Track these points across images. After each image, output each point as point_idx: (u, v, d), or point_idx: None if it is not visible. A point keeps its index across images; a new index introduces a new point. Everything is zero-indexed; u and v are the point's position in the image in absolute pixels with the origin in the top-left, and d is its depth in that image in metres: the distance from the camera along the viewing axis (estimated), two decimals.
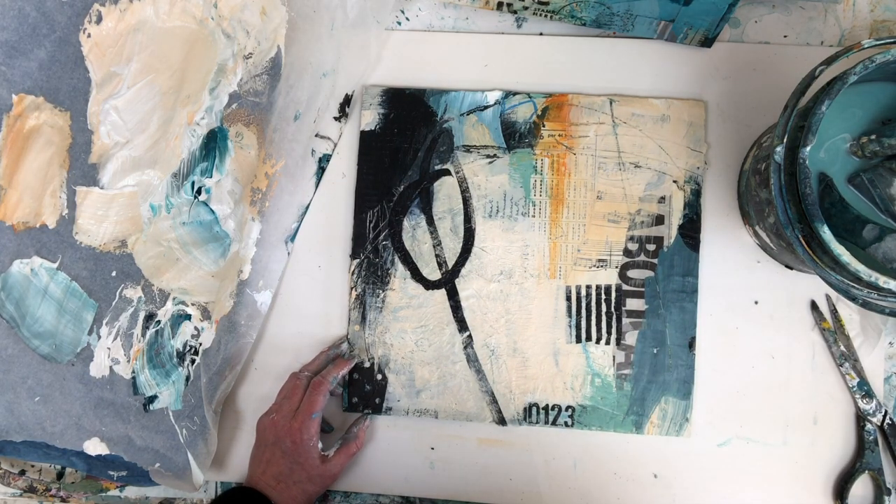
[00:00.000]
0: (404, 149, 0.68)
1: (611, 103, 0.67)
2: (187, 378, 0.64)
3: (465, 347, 0.67)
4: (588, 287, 0.66)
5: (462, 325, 0.67)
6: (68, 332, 0.55)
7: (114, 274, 0.57)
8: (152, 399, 0.62)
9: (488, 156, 0.68)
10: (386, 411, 0.67)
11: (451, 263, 0.68)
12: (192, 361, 0.64)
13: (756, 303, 0.66)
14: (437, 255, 0.68)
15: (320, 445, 0.63)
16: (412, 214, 0.68)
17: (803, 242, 0.50)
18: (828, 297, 0.66)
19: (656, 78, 0.67)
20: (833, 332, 0.65)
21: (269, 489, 0.61)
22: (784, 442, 0.65)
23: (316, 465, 0.62)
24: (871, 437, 0.64)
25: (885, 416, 0.64)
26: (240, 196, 0.64)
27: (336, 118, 0.69)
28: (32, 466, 0.68)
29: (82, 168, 0.52)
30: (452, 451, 0.67)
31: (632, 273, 0.66)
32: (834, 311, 0.65)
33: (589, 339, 0.66)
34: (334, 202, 0.70)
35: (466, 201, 0.68)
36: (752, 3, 0.67)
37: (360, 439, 0.65)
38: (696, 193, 0.66)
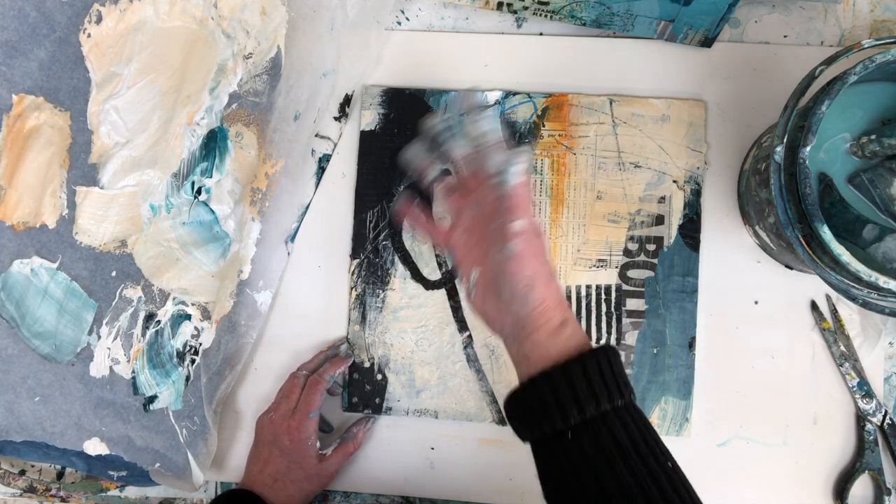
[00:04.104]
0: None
1: (611, 103, 0.67)
2: (187, 378, 0.64)
3: (465, 347, 0.67)
4: (588, 287, 0.66)
5: (462, 325, 0.67)
6: (68, 332, 0.55)
7: (114, 274, 0.57)
8: (152, 399, 0.62)
9: None
10: (386, 411, 0.67)
11: (451, 263, 0.68)
12: (192, 361, 0.64)
13: (756, 303, 0.66)
14: (437, 255, 0.68)
15: (318, 445, 0.63)
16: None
17: (803, 242, 0.50)
18: (828, 297, 0.65)
19: (656, 78, 0.67)
20: (833, 332, 0.65)
21: (266, 488, 0.61)
22: (784, 442, 0.65)
23: (313, 465, 0.62)
24: (871, 437, 0.64)
25: (885, 416, 0.64)
26: (240, 196, 0.64)
27: (336, 118, 0.69)
28: (32, 466, 0.68)
29: (82, 168, 0.52)
30: (452, 451, 0.67)
31: (632, 273, 0.66)
32: (834, 311, 0.65)
33: (589, 338, 0.66)
34: (334, 202, 0.69)
35: None
36: (752, 3, 0.67)
37: (358, 439, 0.65)
38: (696, 193, 0.66)
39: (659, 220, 0.66)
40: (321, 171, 0.70)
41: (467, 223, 0.52)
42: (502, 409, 0.48)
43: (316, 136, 0.69)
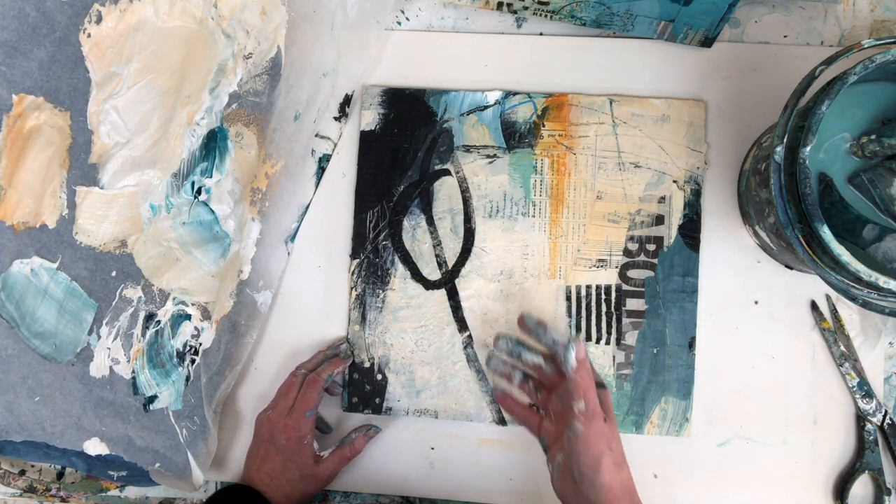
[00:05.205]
0: (404, 149, 0.68)
1: (611, 103, 0.67)
2: (187, 378, 0.64)
3: (465, 347, 0.67)
4: (588, 287, 0.66)
5: (462, 325, 0.67)
6: (68, 332, 0.55)
7: (114, 274, 0.57)
8: (152, 399, 0.62)
9: (488, 156, 0.68)
10: (386, 411, 0.67)
11: (451, 263, 0.68)
12: (192, 361, 0.64)
13: (756, 303, 0.66)
14: (437, 255, 0.68)
15: (316, 445, 0.63)
16: (412, 214, 0.68)
17: (803, 242, 0.50)
18: (828, 297, 0.66)
19: (656, 78, 0.67)
20: (833, 332, 0.65)
21: (263, 486, 0.61)
22: (784, 442, 0.65)
23: (309, 465, 0.62)
24: (871, 437, 0.64)
25: (885, 416, 0.64)
26: (240, 196, 0.64)
27: (336, 118, 0.69)
28: (32, 466, 0.68)
29: (82, 168, 0.52)
30: (452, 451, 0.67)
31: (632, 273, 0.66)
32: (834, 311, 0.65)
33: (589, 339, 0.66)
34: (334, 202, 0.70)
35: (466, 201, 0.68)
36: (752, 3, 0.67)
37: (355, 446, 0.65)
38: (696, 193, 0.66)
39: (659, 220, 0.66)
40: (321, 171, 0.70)
41: (553, 414, 0.58)
42: None
43: (316, 136, 0.69)
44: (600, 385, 0.58)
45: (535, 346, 0.61)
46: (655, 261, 0.66)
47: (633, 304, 0.66)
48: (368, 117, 0.69)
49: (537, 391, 0.61)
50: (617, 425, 0.56)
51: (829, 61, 0.51)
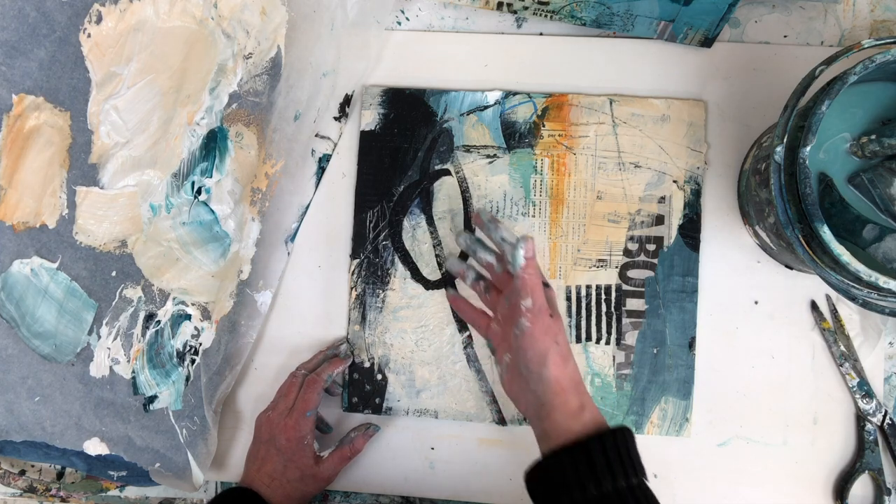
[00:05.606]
0: (404, 149, 0.68)
1: (611, 103, 0.67)
2: (187, 378, 0.64)
3: (465, 347, 0.67)
4: (588, 287, 0.66)
5: (462, 325, 0.67)
6: (68, 332, 0.55)
7: (114, 274, 0.57)
8: (152, 399, 0.62)
9: (488, 156, 0.68)
10: (386, 411, 0.67)
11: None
12: (192, 361, 0.64)
13: (756, 303, 0.66)
14: (437, 255, 0.68)
15: (316, 445, 0.63)
16: (412, 214, 0.68)
17: (803, 242, 0.50)
18: (828, 297, 0.66)
19: (656, 78, 0.67)
20: (833, 332, 0.65)
21: (263, 487, 0.61)
22: (784, 442, 0.65)
23: (309, 465, 0.62)
24: (871, 437, 0.64)
25: (885, 416, 0.64)
26: (240, 196, 0.64)
27: (336, 118, 0.69)
28: (32, 466, 0.68)
29: (82, 168, 0.52)
30: (452, 451, 0.67)
31: (632, 273, 0.66)
32: (834, 311, 0.65)
33: (589, 339, 0.66)
34: (334, 202, 0.70)
35: (466, 201, 0.68)
36: (752, 3, 0.67)
37: (355, 445, 0.65)
38: (696, 193, 0.66)
39: (659, 220, 0.66)
40: (321, 171, 0.70)
41: (500, 315, 0.58)
42: (523, 480, 0.52)
43: (316, 136, 0.69)
44: (546, 284, 0.58)
45: (489, 245, 0.61)
46: (655, 261, 0.66)
47: (633, 304, 0.66)
48: (368, 117, 0.69)
49: (487, 292, 0.60)
50: (562, 321, 0.56)
51: (829, 61, 0.51)
